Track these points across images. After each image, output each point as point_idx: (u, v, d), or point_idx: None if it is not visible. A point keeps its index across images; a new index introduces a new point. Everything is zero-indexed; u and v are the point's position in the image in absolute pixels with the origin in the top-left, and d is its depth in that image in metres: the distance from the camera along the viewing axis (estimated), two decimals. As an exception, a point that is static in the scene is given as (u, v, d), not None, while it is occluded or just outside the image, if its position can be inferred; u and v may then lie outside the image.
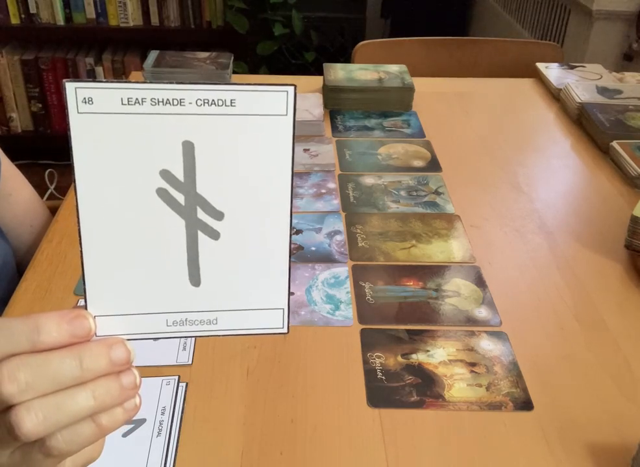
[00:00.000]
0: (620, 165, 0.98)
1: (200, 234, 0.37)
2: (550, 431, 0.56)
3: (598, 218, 0.88)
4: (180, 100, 0.34)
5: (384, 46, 1.51)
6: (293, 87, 0.35)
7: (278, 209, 0.37)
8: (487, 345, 0.65)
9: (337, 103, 1.16)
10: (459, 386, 0.60)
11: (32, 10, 2.28)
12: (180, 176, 0.36)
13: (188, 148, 0.35)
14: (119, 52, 2.40)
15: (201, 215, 0.37)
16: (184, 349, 0.63)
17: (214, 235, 0.37)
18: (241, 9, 2.29)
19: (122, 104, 0.34)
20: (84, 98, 0.34)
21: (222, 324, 0.39)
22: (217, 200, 0.37)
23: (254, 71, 2.40)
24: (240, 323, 0.39)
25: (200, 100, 0.35)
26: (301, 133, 1.05)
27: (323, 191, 0.91)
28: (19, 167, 0.86)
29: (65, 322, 0.34)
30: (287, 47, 2.52)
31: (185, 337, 0.39)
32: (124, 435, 0.54)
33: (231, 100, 0.35)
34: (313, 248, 0.78)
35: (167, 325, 0.38)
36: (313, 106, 1.09)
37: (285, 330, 0.40)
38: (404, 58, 1.32)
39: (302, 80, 1.29)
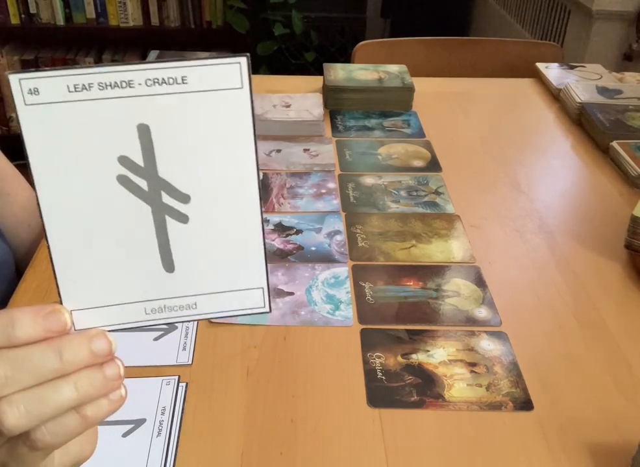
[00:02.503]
0: (620, 165, 0.98)
1: (168, 219, 0.36)
2: (550, 431, 0.56)
3: (598, 218, 0.88)
4: (129, 81, 0.33)
5: (384, 46, 1.51)
6: (245, 58, 0.34)
7: (245, 187, 0.36)
8: (487, 345, 0.65)
9: (337, 103, 1.16)
10: (459, 386, 0.60)
11: (32, 10, 2.29)
12: (139, 160, 0.35)
13: (144, 131, 0.34)
14: (119, 52, 2.40)
15: (166, 199, 0.36)
16: (184, 349, 0.63)
17: (182, 218, 0.36)
18: (241, 9, 2.29)
19: (69, 91, 0.33)
20: (30, 89, 0.33)
21: (202, 308, 0.38)
22: (181, 183, 0.36)
23: (254, 70, 2.37)
24: (220, 306, 0.39)
25: (150, 80, 0.33)
26: (301, 133, 1.05)
27: (323, 191, 0.91)
28: (19, 167, 0.86)
29: (41, 316, 0.34)
30: (287, 47, 2.52)
31: (167, 324, 0.38)
32: (124, 435, 0.54)
33: (182, 77, 0.33)
34: (313, 248, 0.78)
35: (146, 314, 0.38)
36: (313, 106, 1.09)
37: (267, 309, 0.39)
38: (404, 58, 1.32)
39: (302, 80, 1.29)
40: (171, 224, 0.36)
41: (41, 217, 0.35)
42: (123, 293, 0.37)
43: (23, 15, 2.29)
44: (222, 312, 0.39)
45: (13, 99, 0.33)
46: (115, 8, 2.31)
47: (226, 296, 0.39)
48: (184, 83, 0.34)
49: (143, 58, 2.33)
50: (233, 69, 0.34)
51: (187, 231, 0.37)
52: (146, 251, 0.37)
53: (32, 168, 0.34)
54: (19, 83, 0.33)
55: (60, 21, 2.31)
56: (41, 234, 0.83)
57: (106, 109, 0.33)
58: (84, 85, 0.33)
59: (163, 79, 0.33)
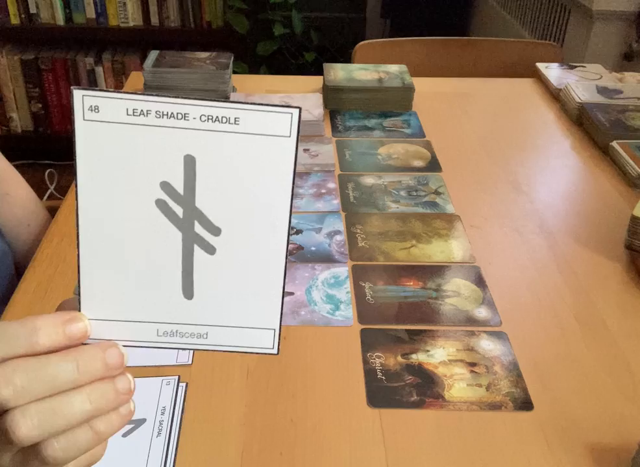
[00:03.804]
0: (620, 165, 0.98)
1: (196, 248, 0.37)
2: (550, 431, 0.56)
3: (598, 218, 0.88)
4: (185, 114, 0.35)
5: (384, 46, 1.51)
6: (298, 110, 0.36)
7: (275, 230, 0.37)
8: (487, 345, 0.65)
9: (337, 103, 1.16)
10: (459, 386, 0.60)
11: (32, 10, 2.28)
12: (180, 189, 0.36)
13: (190, 162, 0.36)
14: (119, 52, 2.40)
15: (198, 229, 0.37)
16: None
17: (210, 249, 0.37)
18: (241, 9, 2.29)
19: (127, 114, 0.35)
20: (91, 106, 0.34)
21: (213, 339, 0.39)
22: (215, 216, 0.37)
23: (254, 71, 2.40)
24: (230, 340, 0.39)
25: (204, 116, 0.35)
26: (301, 133, 1.05)
27: (323, 191, 0.91)
28: (19, 167, 0.86)
29: (61, 323, 0.35)
30: (287, 47, 2.52)
31: (175, 349, 0.39)
32: (124, 435, 0.55)
33: (235, 118, 0.35)
34: (313, 248, 0.78)
35: (158, 335, 0.39)
36: (313, 106, 1.09)
37: (275, 351, 0.40)
38: (404, 58, 1.32)
39: (302, 80, 1.29)
40: (198, 253, 0.37)
41: (77, 226, 0.36)
42: (139, 311, 0.38)
43: (23, 15, 2.29)
44: (231, 347, 0.40)
45: (73, 113, 0.34)
46: (115, 8, 2.31)
47: (238, 332, 0.39)
48: (235, 123, 0.35)
49: (143, 58, 2.33)
50: (284, 118, 0.36)
51: (213, 262, 0.38)
52: (169, 275, 0.38)
53: (77, 179, 0.36)
54: (82, 99, 0.34)
55: (60, 21, 2.31)
56: (41, 234, 0.83)
57: (159, 136, 0.35)
58: (142, 111, 0.35)
59: (217, 117, 0.35)
